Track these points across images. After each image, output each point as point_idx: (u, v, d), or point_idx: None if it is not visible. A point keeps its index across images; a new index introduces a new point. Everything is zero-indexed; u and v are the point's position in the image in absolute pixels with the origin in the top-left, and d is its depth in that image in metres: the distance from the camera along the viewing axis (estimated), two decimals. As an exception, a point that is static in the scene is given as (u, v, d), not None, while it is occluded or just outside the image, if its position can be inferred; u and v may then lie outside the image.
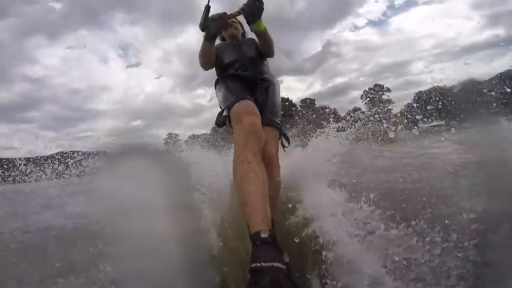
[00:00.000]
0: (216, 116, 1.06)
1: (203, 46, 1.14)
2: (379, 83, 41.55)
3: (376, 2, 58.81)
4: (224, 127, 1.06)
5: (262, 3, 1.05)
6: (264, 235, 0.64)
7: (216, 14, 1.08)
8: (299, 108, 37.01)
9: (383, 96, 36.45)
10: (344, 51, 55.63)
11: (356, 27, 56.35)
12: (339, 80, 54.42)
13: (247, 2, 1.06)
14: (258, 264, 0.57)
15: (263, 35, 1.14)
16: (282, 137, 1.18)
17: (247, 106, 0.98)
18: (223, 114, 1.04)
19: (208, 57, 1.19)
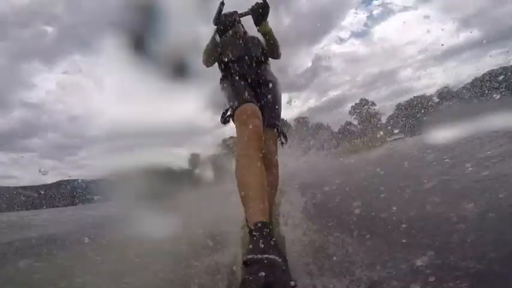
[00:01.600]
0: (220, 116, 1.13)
1: (212, 40, 1.20)
2: (365, 97, 44.17)
3: (356, 13, 60.16)
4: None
5: (268, 6, 1.13)
6: (261, 226, 0.67)
7: (228, 12, 1.17)
8: (293, 128, 39.37)
9: (369, 110, 38.74)
10: (334, 64, 58.57)
11: (341, 40, 59.37)
12: (333, 93, 55.28)
13: (255, 3, 1.14)
14: (254, 256, 0.59)
15: (269, 35, 1.21)
16: (281, 135, 1.25)
17: (250, 108, 1.01)
18: (228, 113, 1.10)
19: (214, 52, 1.24)
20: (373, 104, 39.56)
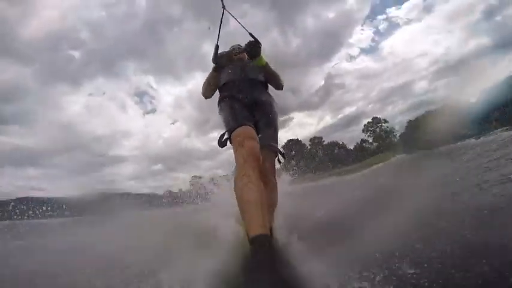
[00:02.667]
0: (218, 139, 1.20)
1: (211, 74, 1.35)
2: (381, 113, 48.78)
3: (362, 30, 56.72)
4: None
5: (259, 44, 1.28)
6: (261, 239, 0.69)
7: (225, 52, 1.38)
8: (309, 147, 45.94)
9: (382, 127, 43.96)
10: (347, 81, 57.13)
11: (352, 57, 56.45)
12: (348, 110, 55.57)
13: (248, 42, 1.30)
14: (255, 269, 0.61)
15: (265, 68, 1.35)
16: (279, 154, 1.32)
17: (246, 131, 1.07)
18: (225, 137, 1.18)
19: (213, 85, 1.37)
20: (385, 121, 44.62)
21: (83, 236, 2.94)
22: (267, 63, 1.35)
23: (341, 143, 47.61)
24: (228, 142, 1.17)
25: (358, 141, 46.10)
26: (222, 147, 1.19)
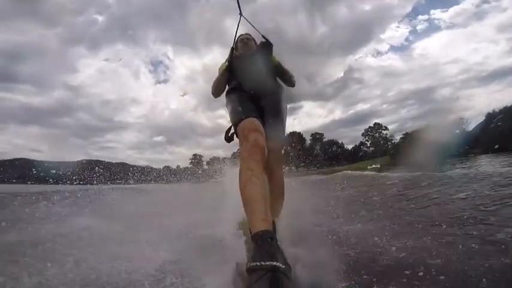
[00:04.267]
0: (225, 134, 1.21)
1: (222, 74, 1.35)
2: (377, 121, 47.47)
3: (398, 27, 54.21)
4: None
5: (271, 44, 1.34)
6: (264, 234, 0.68)
7: (239, 53, 1.40)
8: (309, 142, 46.00)
9: (381, 134, 45.04)
10: (366, 77, 55.16)
11: (378, 53, 54.50)
12: (361, 107, 54.55)
13: (261, 42, 1.37)
14: (257, 263, 0.60)
15: (278, 67, 1.36)
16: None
17: (252, 123, 1.06)
18: (231, 131, 1.18)
19: (222, 84, 1.36)
20: (386, 128, 46.09)
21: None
22: (279, 63, 1.36)
23: (340, 142, 49.16)
24: (235, 136, 1.18)
25: (357, 143, 47.39)
26: (229, 142, 1.20)
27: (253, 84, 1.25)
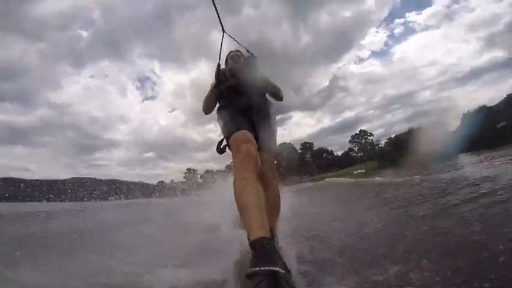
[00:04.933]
0: (216, 146, 1.23)
1: (211, 92, 1.36)
2: (364, 127, 50.00)
3: (376, 32, 57.40)
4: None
5: (256, 59, 1.39)
6: (262, 241, 0.69)
7: (225, 69, 1.42)
8: (299, 151, 48.19)
9: (367, 140, 46.80)
10: (351, 84, 57.59)
11: (360, 60, 57.52)
12: (348, 114, 55.66)
13: (247, 57, 1.43)
14: (256, 268, 0.60)
15: (264, 82, 1.38)
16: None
17: (244, 135, 1.09)
18: (223, 143, 1.21)
19: (213, 102, 1.39)
20: (371, 134, 47.86)
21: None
22: (266, 77, 1.39)
23: (330, 149, 50.54)
24: (227, 148, 1.19)
25: (346, 149, 48.90)
26: (220, 153, 1.22)
27: (242, 98, 1.28)
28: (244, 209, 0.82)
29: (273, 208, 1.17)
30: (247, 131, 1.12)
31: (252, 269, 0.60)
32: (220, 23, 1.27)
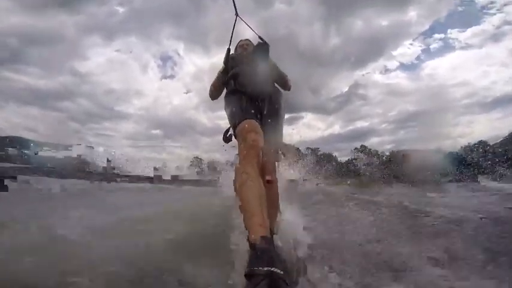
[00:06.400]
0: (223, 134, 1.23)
1: (219, 76, 1.38)
2: (364, 144, 48.94)
3: (411, 44, 50.07)
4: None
5: (268, 45, 1.29)
6: (262, 241, 0.69)
7: (235, 53, 1.42)
8: (305, 153, 49.06)
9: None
10: (371, 94, 50.57)
11: (387, 70, 50.75)
12: (360, 124, 50.07)
13: (257, 43, 1.33)
14: (255, 268, 0.60)
15: (273, 69, 1.35)
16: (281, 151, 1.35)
17: (251, 125, 1.09)
18: (230, 132, 1.20)
19: (220, 87, 1.39)
20: (369, 150, 48.68)
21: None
22: (274, 65, 1.38)
23: (334, 155, 50.57)
24: (233, 137, 1.19)
25: (350, 158, 50.01)
26: (227, 142, 1.24)
27: (251, 86, 1.25)
28: (245, 204, 0.83)
29: (272, 204, 1.15)
30: (253, 120, 1.12)
31: (249, 269, 0.62)
32: (234, 6, 1.28)
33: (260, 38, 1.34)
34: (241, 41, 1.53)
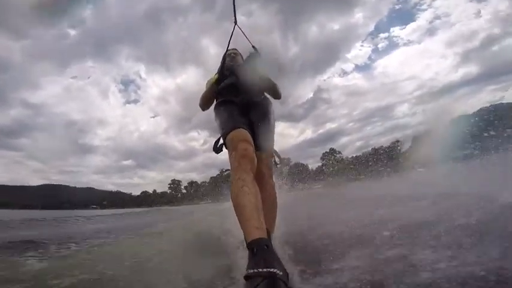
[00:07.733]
0: (212, 148, 1.21)
1: (211, 86, 1.37)
2: (333, 147, 54.80)
3: (362, 45, 62.37)
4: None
5: (259, 54, 1.32)
6: (259, 243, 0.70)
7: (229, 64, 1.41)
8: (279, 165, 54.01)
9: (336, 158, 52.34)
10: (334, 96, 62.00)
11: (344, 73, 62.07)
12: (329, 126, 60.56)
13: (249, 53, 1.34)
14: (254, 270, 0.60)
15: (263, 79, 1.36)
16: (275, 156, 1.36)
17: (241, 134, 1.09)
18: (220, 142, 1.19)
19: (211, 97, 1.39)
20: (339, 152, 53.77)
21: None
22: (265, 73, 1.39)
23: (305, 163, 53.61)
24: (224, 147, 1.19)
25: (319, 164, 53.36)
26: (217, 153, 1.21)
27: (242, 95, 1.27)
28: (241, 210, 0.83)
29: (269, 208, 1.15)
30: (244, 130, 1.13)
31: (248, 271, 0.62)
32: (235, 14, 1.29)
33: (253, 47, 1.37)
34: (228, 50, 1.52)
